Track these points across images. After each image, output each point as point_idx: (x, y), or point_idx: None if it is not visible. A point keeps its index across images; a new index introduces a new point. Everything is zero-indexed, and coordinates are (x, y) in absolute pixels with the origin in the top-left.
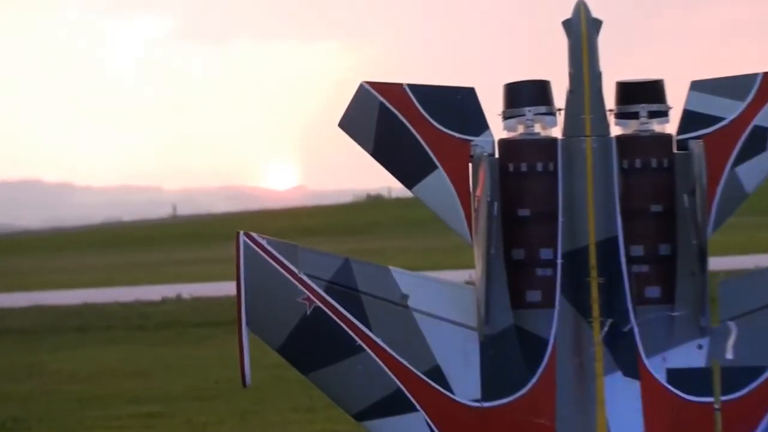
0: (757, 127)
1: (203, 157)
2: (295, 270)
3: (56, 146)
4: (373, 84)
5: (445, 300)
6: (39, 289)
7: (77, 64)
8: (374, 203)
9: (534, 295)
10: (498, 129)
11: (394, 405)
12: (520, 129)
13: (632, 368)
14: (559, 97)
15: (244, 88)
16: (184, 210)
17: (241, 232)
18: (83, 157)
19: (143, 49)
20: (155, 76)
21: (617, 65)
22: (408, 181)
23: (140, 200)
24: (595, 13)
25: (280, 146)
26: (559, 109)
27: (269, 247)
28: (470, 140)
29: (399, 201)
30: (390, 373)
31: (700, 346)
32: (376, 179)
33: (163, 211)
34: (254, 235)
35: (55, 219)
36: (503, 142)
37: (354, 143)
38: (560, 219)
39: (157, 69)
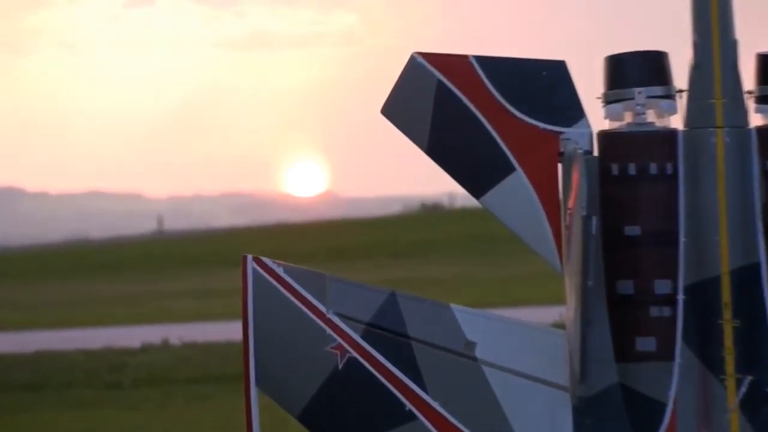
0: None
1: (198, 155)
2: (323, 308)
3: None
4: (428, 56)
5: (525, 349)
6: None
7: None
8: (430, 216)
9: (647, 343)
10: (597, 117)
11: None
12: (628, 117)
13: None
14: (680, 74)
15: (251, 67)
16: (174, 224)
17: (249, 256)
18: (36, 153)
19: (116, 13)
20: (132, 49)
21: (759, 34)
22: (476, 187)
23: (114, 211)
24: None
25: (300, 140)
26: (680, 91)
27: (287, 277)
28: (560, 132)
29: (464, 213)
30: None
31: None
32: (432, 184)
33: (145, 226)
34: (266, 260)
35: None
36: (604, 135)
37: (402, 136)
38: (681, 240)
39: (135, 41)
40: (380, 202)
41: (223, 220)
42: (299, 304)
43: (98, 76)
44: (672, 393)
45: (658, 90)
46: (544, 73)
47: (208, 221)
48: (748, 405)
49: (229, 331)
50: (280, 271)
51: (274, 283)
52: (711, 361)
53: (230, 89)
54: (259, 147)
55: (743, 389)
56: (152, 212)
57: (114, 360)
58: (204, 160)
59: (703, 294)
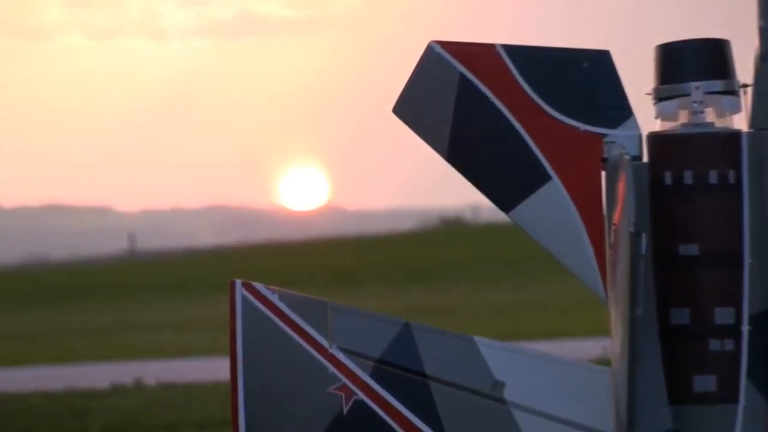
0: None
1: (178, 162)
2: (325, 342)
3: None
4: (448, 45)
5: (562, 390)
6: None
7: None
8: (450, 232)
9: (705, 382)
10: (647, 116)
11: None
12: (683, 116)
13: None
14: (743, 66)
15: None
16: (149, 243)
17: (238, 281)
18: None
19: None
20: (98, 38)
21: None
22: (504, 198)
23: (78, 227)
24: None
25: (297, 143)
26: (744, 86)
27: (282, 305)
28: (603, 135)
29: (490, 229)
30: None
31: None
32: (452, 195)
33: (114, 245)
34: (258, 285)
35: None
36: (655, 138)
37: (417, 139)
38: (746, 260)
39: (100, 29)
40: (392, 216)
41: (207, 238)
42: (297, 338)
43: (59, 69)
44: None
45: (718, 85)
46: (585, 64)
47: (189, 239)
48: None
49: (214, 369)
50: (274, 298)
51: (268, 312)
52: None
53: (214, 84)
54: (249, 152)
55: None
56: (123, 229)
57: (78, 403)
58: (185, 168)
59: None
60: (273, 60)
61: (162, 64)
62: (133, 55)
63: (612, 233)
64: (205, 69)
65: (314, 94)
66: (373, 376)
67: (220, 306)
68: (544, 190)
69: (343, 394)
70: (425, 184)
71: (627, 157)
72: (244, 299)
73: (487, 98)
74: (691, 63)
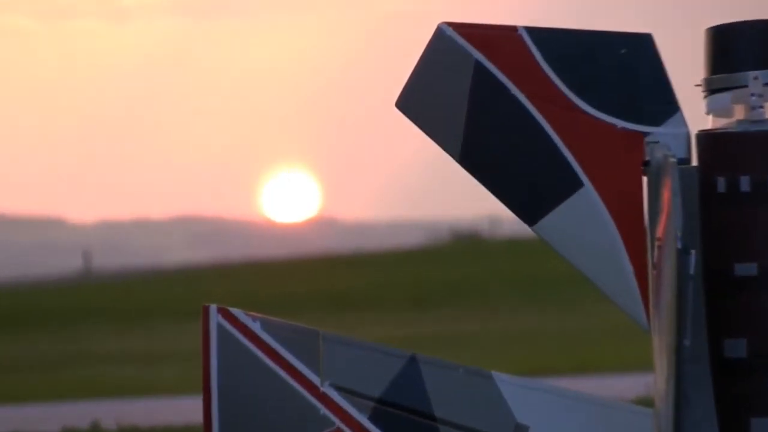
0: None
1: (143, 165)
2: (316, 379)
3: None
4: (461, 27)
5: None
6: None
7: None
8: (464, 248)
9: (765, 426)
10: (696, 112)
11: None
12: (739, 112)
13: None
14: None
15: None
16: (107, 260)
17: (213, 306)
18: None
19: None
20: (53, 22)
21: None
22: (528, 208)
23: (24, 242)
24: None
25: (285, 144)
26: None
27: (265, 335)
28: (645, 133)
29: (511, 245)
30: None
31: None
32: (467, 204)
33: (67, 263)
34: (236, 311)
35: None
36: (707, 138)
37: (425, 138)
38: None
39: (54, 11)
40: (395, 229)
41: (177, 254)
42: (282, 373)
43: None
44: None
45: None
46: (623, 50)
47: (155, 256)
48: None
49: (185, 409)
50: (255, 326)
51: (248, 343)
52: None
53: (185, 73)
54: (226, 153)
55: None
56: (77, 244)
57: None
58: (150, 172)
59: None
60: (255, 45)
61: (123, 49)
62: (87, 40)
63: (655, 250)
64: (174, 56)
65: (303, 86)
66: (372, 418)
67: (192, 335)
68: (574, 199)
69: None
70: (434, 192)
71: (673, 159)
72: (220, 328)
73: (507, 90)
74: (749, 49)
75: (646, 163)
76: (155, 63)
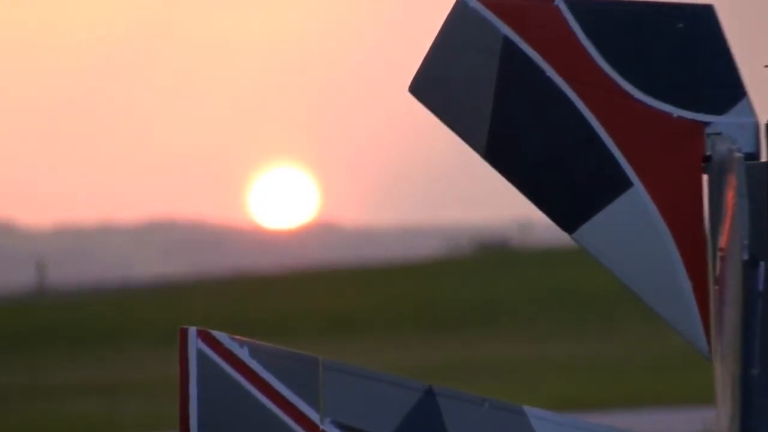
0: None
1: (107, 162)
2: (315, 415)
3: None
4: None
5: None
6: None
7: None
8: (490, 258)
9: None
10: (766, 98)
11: None
12: None
13: None
14: None
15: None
16: (64, 271)
17: (192, 329)
18: None
19: None
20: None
21: None
22: (566, 212)
23: None
24: None
25: (275, 139)
26: None
27: (253, 362)
28: (705, 123)
29: (546, 255)
30: None
31: None
32: (493, 207)
33: (17, 275)
34: (220, 334)
35: None
36: None
37: (443, 128)
38: None
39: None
40: (407, 237)
41: (148, 265)
42: (274, 408)
43: None
44: None
45: None
46: (680, 24)
47: (121, 267)
48: None
49: None
50: (242, 353)
51: (233, 372)
52: None
53: (160, 54)
54: (207, 148)
55: None
56: (29, 253)
57: None
58: (116, 169)
59: None
60: (244, 21)
61: (91, 25)
62: (50, 12)
63: (718, 261)
64: (149, 34)
65: (299, 70)
66: None
67: (167, 362)
68: (621, 202)
69: None
70: (453, 192)
71: (739, 154)
72: (201, 354)
73: (541, 72)
74: None
75: (707, 159)
76: (128, 42)
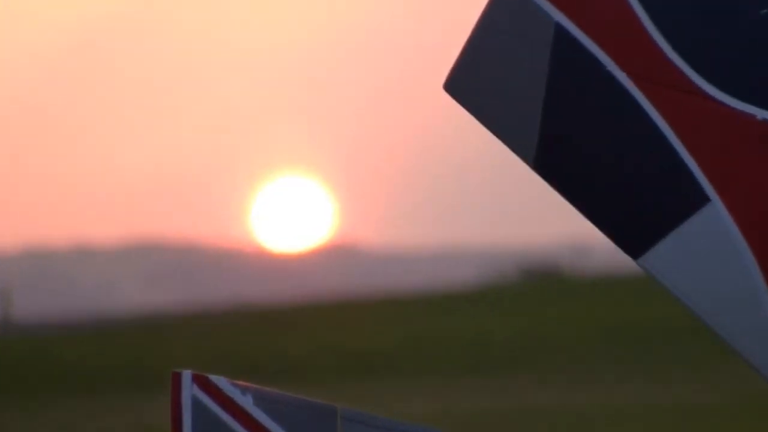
0: None
1: (83, 172)
2: None
3: None
4: None
5: None
6: None
7: None
8: (541, 285)
9: None
10: None
11: None
12: None
13: None
14: None
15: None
16: (33, 300)
17: (186, 372)
18: None
19: None
20: None
21: None
22: (631, 233)
23: None
24: None
25: (283, 148)
26: None
27: (258, 412)
28: None
29: (606, 283)
30: None
31: None
32: (542, 227)
33: None
34: (218, 378)
35: None
36: None
37: (483, 132)
38: None
39: None
40: (441, 262)
41: (129, 294)
42: None
43: None
44: None
45: None
46: (765, 11)
47: (99, 295)
48: None
49: None
50: (246, 401)
51: (234, 424)
52: None
53: (146, 48)
54: (200, 158)
55: None
56: None
57: None
58: (94, 181)
59: None
60: (245, 12)
61: (73, 29)
62: (40, 20)
63: None
64: (135, 32)
65: (315, 65)
66: None
67: (158, 411)
68: (697, 221)
69: None
70: (496, 210)
71: None
72: (196, 402)
73: (601, 67)
74: None
75: None
76: (110, 42)
